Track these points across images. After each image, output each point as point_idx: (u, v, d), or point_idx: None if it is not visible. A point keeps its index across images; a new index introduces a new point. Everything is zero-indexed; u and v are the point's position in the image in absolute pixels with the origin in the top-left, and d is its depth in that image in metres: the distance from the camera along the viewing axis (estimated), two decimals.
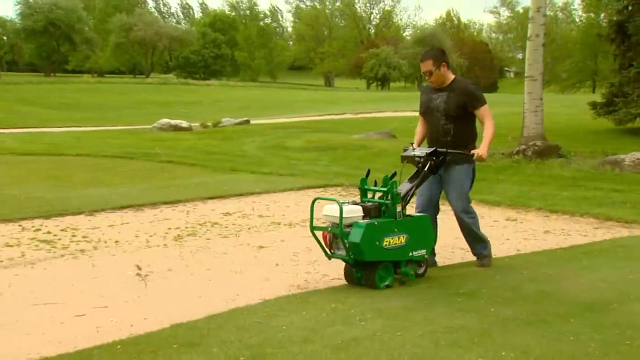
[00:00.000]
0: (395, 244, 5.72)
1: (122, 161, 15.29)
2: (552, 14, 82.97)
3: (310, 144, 18.58)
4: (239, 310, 5.24)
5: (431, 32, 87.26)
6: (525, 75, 15.54)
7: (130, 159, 15.54)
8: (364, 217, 5.71)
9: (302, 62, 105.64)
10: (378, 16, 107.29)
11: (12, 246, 7.45)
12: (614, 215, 9.20)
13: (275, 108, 41.73)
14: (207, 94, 55.17)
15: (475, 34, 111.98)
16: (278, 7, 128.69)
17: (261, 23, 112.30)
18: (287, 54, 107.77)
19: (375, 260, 5.66)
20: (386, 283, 5.73)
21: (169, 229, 8.43)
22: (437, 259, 6.78)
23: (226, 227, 8.58)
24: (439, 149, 6.23)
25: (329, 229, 5.77)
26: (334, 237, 5.76)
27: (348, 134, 21.14)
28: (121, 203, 9.87)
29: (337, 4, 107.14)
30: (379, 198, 5.92)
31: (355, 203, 5.84)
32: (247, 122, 26.97)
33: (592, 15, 64.38)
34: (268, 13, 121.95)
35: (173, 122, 24.54)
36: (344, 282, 6.10)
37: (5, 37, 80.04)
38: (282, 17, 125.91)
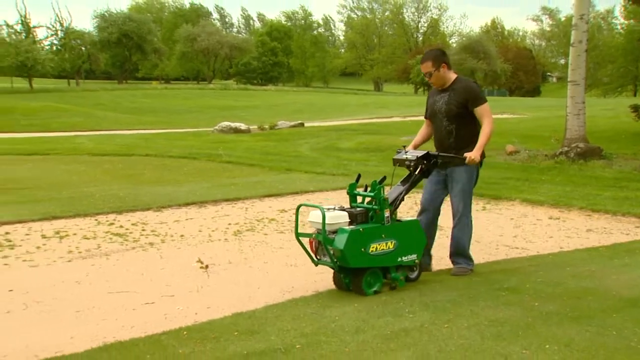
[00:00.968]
0: (383, 249, 5.33)
1: (186, 161, 15.49)
2: (594, 21, 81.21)
3: (360, 146, 18.54)
4: (295, 301, 5.26)
5: (477, 39, 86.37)
6: (568, 79, 15.22)
7: (193, 159, 15.73)
8: (350, 223, 5.30)
9: (353, 68, 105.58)
10: (425, 24, 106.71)
11: (89, 239, 7.61)
12: None
13: (328, 112, 41.81)
14: (264, 99, 55.52)
15: (519, 40, 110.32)
16: (331, 17, 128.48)
17: (314, 32, 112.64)
18: (339, 61, 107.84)
19: (361, 266, 5.28)
20: (374, 289, 5.36)
21: (229, 224, 8.50)
22: (481, 255, 6.68)
23: (282, 223, 8.62)
24: (430, 152, 5.80)
25: (313, 235, 5.36)
26: (320, 244, 5.36)
27: (396, 135, 21.01)
28: (186, 200, 10.00)
29: (387, 13, 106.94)
30: (368, 203, 5.50)
31: (342, 209, 5.41)
32: (302, 124, 27.03)
33: (633, 21, 62.74)
34: (321, 23, 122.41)
35: (233, 124, 24.75)
36: None
37: (83, 48, 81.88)
38: (334, 26, 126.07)
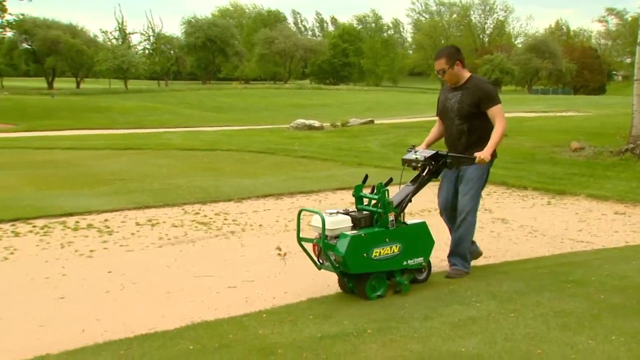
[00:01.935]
0: (387, 254, 4.92)
1: (264, 156, 15.63)
2: None
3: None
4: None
5: (542, 39, 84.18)
6: (635, 78, 14.61)
7: (271, 154, 15.87)
8: (354, 227, 4.91)
9: (421, 68, 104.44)
10: (492, 26, 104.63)
11: (177, 227, 7.79)
12: None
13: (397, 109, 41.51)
14: (336, 97, 55.55)
15: (584, 40, 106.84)
16: (400, 20, 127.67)
17: (384, 35, 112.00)
18: (407, 61, 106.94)
19: (363, 272, 4.86)
20: (378, 293, 4.95)
21: (304, 215, 8.53)
22: (546, 248, 6.51)
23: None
24: (440, 152, 5.39)
25: (315, 240, 4.96)
26: (322, 249, 4.96)
27: None
28: (264, 192, 10.10)
29: (454, 16, 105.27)
30: (374, 206, 5.05)
31: (346, 212, 5.01)
32: (372, 122, 26.90)
33: None
34: (391, 25, 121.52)
35: (307, 122, 24.82)
36: None
37: (172, 52, 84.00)
38: (403, 28, 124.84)
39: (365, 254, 4.79)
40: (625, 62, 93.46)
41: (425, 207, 8.53)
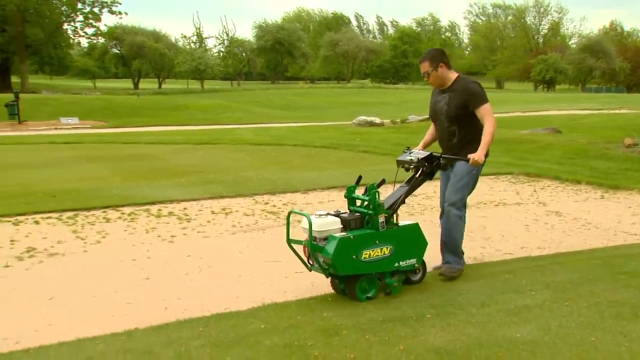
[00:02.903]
0: (377, 255, 4.56)
1: (328, 150, 15.63)
2: None
3: None
4: (426, 275, 5.19)
5: (596, 40, 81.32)
6: None
7: (334, 149, 15.85)
8: (343, 229, 4.60)
9: (477, 68, 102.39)
10: (546, 27, 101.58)
11: (248, 215, 7.88)
12: None
13: None
14: (396, 96, 55.05)
15: (638, 40, 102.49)
16: (456, 23, 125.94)
17: (442, 36, 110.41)
18: (464, 61, 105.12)
19: (352, 274, 4.53)
20: (369, 295, 4.59)
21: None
22: (599, 240, 6.29)
23: (412, 206, 8.50)
24: (434, 153, 5.07)
25: (304, 242, 4.66)
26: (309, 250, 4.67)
27: (517, 129, 20.17)
28: (328, 184, 10.09)
29: (510, 17, 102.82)
30: (365, 207, 4.72)
31: (337, 214, 4.70)
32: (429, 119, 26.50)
33: None
34: (447, 28, 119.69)
35: (368, 118, 24.72)
36: (517, 255, 5.85)
37: (244, 54, 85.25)
38: (459, 30, 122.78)
39: (354, 256, 4.46)
40: None
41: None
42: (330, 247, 4.42)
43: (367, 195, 4.69)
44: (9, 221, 7.47)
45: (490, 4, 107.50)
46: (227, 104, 40.24)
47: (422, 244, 4.87)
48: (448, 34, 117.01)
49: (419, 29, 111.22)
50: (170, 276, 5.42)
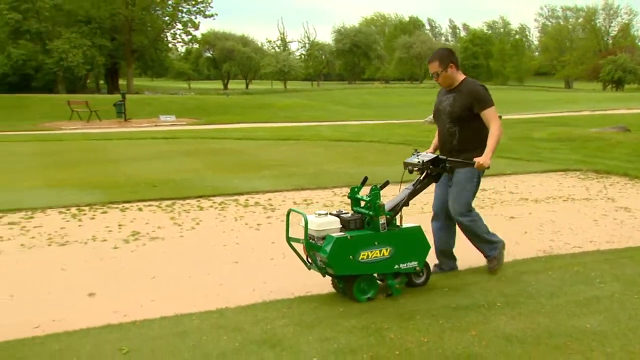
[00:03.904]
0: (376, 257, 4.24)
1: (402, 146, 15.42)
2: None
3: (552, 136, 17.30)
4: (496, 266, 5.05)
5: None
6: None
7: (408, 145, 15.58)
8: (343, 229, 4.31)
9: (546, 68, 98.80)
10: (616, 28, 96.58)
11: (328, 206, 7.89)
12: None
13: (522, 106, 39.50)
14: None
15: None
16: (526, 25, 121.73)
17: (511, 38, 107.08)
18: (533, 62, 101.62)
19: (349, 274, 4.25)
20: (368, 296, 4.28)
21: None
22: None
23: (482, 200, 8.30)
24: (440, 156, 4.72)
25: (300, 240, 4.38)
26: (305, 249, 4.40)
27: (586, 127, 19.33)
28: (406, 178, 9.95)
29: (579, 20, 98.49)
30: (367, 208, 4.41)
31: (338, 214, 4.42)
32: (499, 117, 25.75)
33: None
34: (517, 30, 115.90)
35: None
36: (586, 249, 5.61)
37: (323, 56, 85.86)
38: (529, 32, 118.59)
39: (351, 256, 4.16)
40: None
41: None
42: (327, 246, 4.15)
43: (368, 197, 4.38)
44: (117, 208, 7.82)
45: (560, 6, 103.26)
46: (307, 102, 40.54)
47: (424, 246, 4.53)
48: (518, 36, 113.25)
49: (489, 32, 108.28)
50: (257, 261, 5.52)
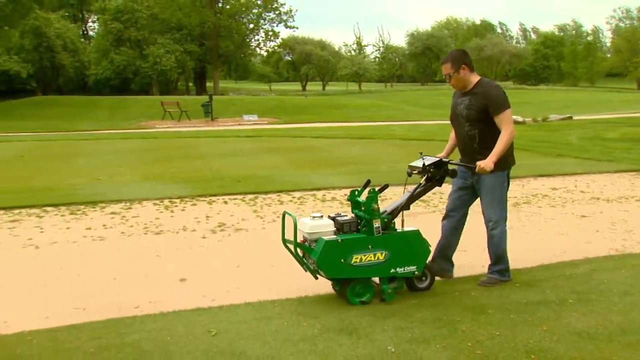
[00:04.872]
0: (370, 260, 4.00)
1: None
2: None
3: (624, 136, 16.40)
4: (564, 264, 4.88)
5: None
6: None
7: None
8: (337, 232, 4.07)
9: (618, 70, 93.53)
10: None
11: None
12: None
13: (593, 107, 37.63)
14: (536, 96, 51.77)
15: None
16: (599, 27, 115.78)
17: (584, 40, 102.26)
18: (605, 63, 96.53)
19: (341, 277, 4.03)
20: (363, 299, 4.05)
21: (509, 197, 8.07)
22: None
23: (553, 198, 8.01)
24: (442, 160, 4.41)
25: (292, 242, 4.14)
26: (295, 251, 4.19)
27: None
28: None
29: None
30: (364, 211, 4.12)
31: (334, 217, 4.15)
32: (570, 117, 24.69)
33: None
34: (590, 32, 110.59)
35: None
36: None
37: (397, 59, 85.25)
38: (601, 34, 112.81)
39: (342, 260, 3.94)
40: None
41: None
42: (317, 249, 3.97)
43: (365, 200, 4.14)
44: (205, 200, 8.07)
45: (635, 8, 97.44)
46: (381, 103, 40.30)
47: (423, 251, 4.24)
48: (589, 38, 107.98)
49: (561, 34, 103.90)
50: None
